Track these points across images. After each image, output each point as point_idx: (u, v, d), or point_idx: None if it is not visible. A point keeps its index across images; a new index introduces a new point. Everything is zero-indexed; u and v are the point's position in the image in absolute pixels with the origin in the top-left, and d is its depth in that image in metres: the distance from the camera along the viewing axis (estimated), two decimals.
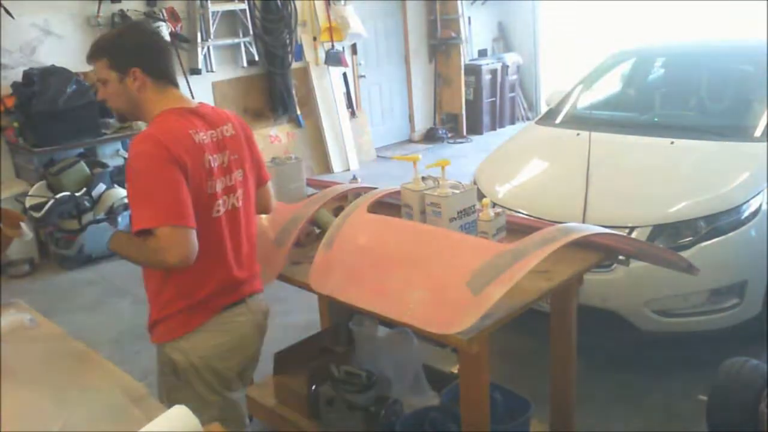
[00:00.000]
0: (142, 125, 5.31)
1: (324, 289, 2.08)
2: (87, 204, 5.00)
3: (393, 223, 2.18)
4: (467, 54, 8.80)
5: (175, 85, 1.90)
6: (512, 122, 9.18)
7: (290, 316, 3.92)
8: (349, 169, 7.44)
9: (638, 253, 2.40)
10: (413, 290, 1.87)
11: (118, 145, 5.47)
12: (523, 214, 3.12)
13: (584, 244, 2.16)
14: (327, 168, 7.38)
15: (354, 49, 7.82)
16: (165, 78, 1.87)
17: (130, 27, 2.19)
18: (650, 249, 2.49)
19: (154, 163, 1.72)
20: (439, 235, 2.05)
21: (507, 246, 1.84)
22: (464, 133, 8.73)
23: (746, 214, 3.02)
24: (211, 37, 6.30)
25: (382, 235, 2.15)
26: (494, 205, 2.14)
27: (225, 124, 1.93)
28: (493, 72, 8.77)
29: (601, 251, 2.21)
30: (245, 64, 6.69)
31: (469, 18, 8.77)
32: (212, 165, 1.83)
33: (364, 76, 8.03)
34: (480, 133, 8.78)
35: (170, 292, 1.87)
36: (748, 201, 3.04)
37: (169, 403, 1.65)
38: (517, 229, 2.24)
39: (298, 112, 7.21)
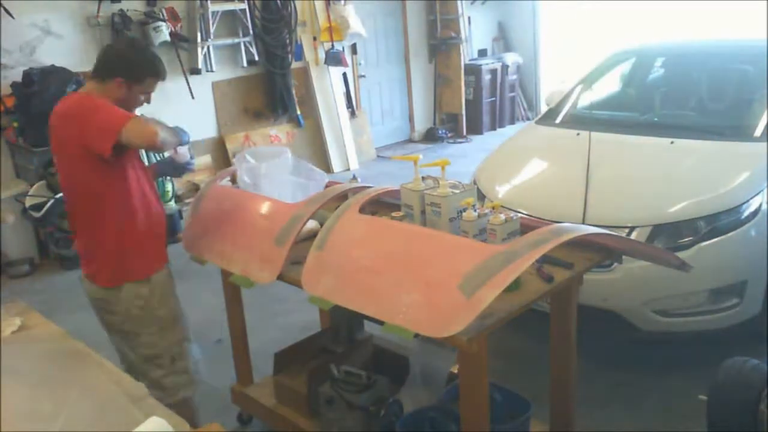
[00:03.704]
0: None
1: (316, 290, 2.07)
2: None
3: (385, 224, 2.18)
4: (467, 54, 8.81)
5: None
6: (512, 122, 9.18)
7: (290, 316, 3.93)
8: (349, 169, 7.45)
9: (632, 251, 2.40)
10: (405, 292, 1.86)
11: None
12: (523, 213, 3.12)
13: (584, 243, 2.16)
14: (327, 168, 7.39)
15: (354, 49, 7.82)
16: None
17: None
18: (643, 248, 2.49)
19: None
20: (431, 237, 2.04)
21: (499, 248, 1.84)
22: (464, 133, 8.73)
23: (746, 214, 3.02)
24: (211, 37, 6.30)
25: (373, 237, 2.14)
26: (492, 209, 2.11)
27: None
28: (493, 72, 8.78)
29: (602, 251, 2.21)
30: (245, 64, 6.69)
31: (469, 18, 8.77)
32: None
33: (364, 76, 8.03)
34: (480, 133, 8.78)
35: None
36: (748, 201, 3.04)
37: None
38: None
39: (298, 112, 7.21)
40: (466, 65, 8.63)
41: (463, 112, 8.73)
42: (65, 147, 2.22)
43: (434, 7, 8.52)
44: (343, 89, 7.69)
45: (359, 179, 3.12)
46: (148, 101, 2.35)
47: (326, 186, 2.63)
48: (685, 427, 2.73)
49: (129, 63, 2.26)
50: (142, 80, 2.27)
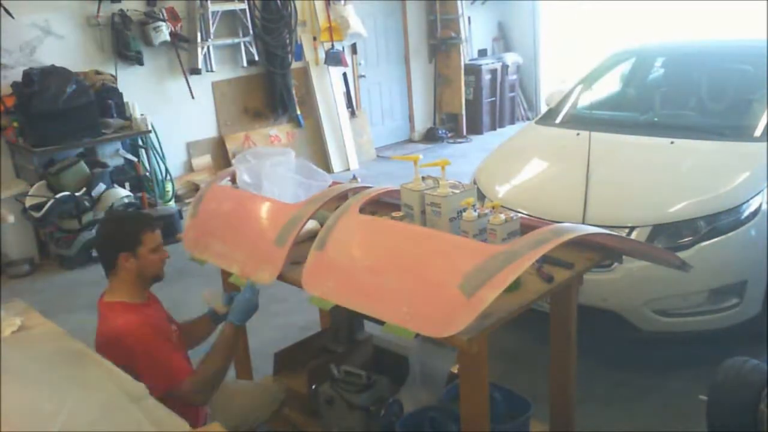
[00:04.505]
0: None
1: (316, 291, 2.06)
2: (87, 204, 5.00)
3: (385, 224, 2.18)
4: (467, 54, 8.81)
5: None
6: (512, 122, 9.18)
7: (290, 316, 3.92)
8: (349, 169, 7.45)
9: (632, 251, 2.40)
10: (405, 292, 1.86)
11: (118, 145, 5.48)
12: (523, 213, 3.11)
13: (584, 243, 2.16)
14: (327, 168, 7.39)
15: (354, 49, 7.82)
16: None
17: None
18: (643, 248, 2.49)
19: None
20: (431, 237, 2.04)
21: (499, 248, 1.83)
22: (464, 133, 8.73)
23: (746, 214, 3.02)
24: (211, 37, 6.30)
25: (373, 237, 2.14)
26: (492, 209, 2.12)
27: None
28: (493, 72, 8.78)
29: (602, 251, 2.21)
30: (245, 64, 6.69)
31: (469, 18, 8.77)
32: None
33: (364, 76, 8.03)
34: (480, 133, 8.78)
35: None
36: (748, 201, 3.04)
37: None
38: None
39: (298, 112, 7.21)
40: (466, 65, 8.63)
41: (463, 112, 8.73)
42: None
43: (434, 7, 8.52)
44: (343, 89, 7.69)
45: (359, 179, 3.12)
46: (162, 257, 2.25)
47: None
48: (685, 427, 2.73)
49: (119, 233, 2.20)
50: (140, 240, 2.18)
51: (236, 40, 6.59)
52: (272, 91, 6.99)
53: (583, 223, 2.94)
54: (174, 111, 6.24)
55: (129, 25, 5.71)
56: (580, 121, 4.15)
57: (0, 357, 1.74)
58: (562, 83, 5.27)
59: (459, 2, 8.45)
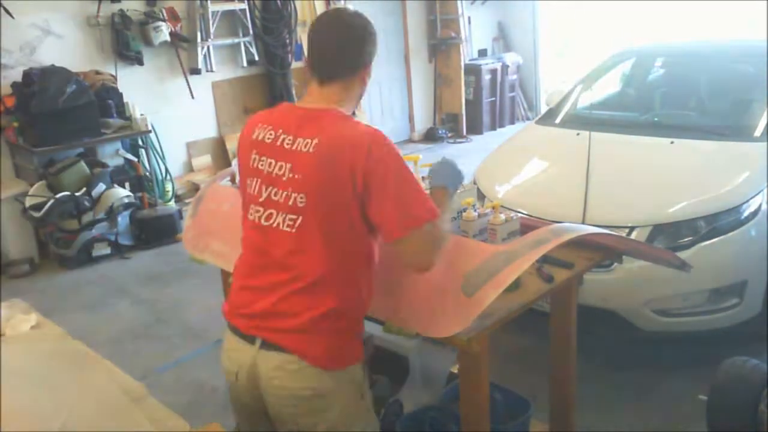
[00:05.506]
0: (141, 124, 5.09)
1: None
2: (87, 204, 5.00)
3: None
4: (467, 54, 8.81)
5: (317, 80, 1.79)
6: (512, 122, 9.18)
7: None
8: None
9: (632, 251, 2.40)
10: (405, 292, 1.86)
11: (118, 144, 5.48)
12: (523, 213, 3.11)
13: (584, 243, 2.16)
14: None
15: None
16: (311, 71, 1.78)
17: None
18: (644, 248, 2.49)
19: None
20: None
21: (500, 247, 1.83)
22: (464, 133, 8.73)
23: (746, 214, 3.02)
24: (211, 36, 6.30)
25: None
26: (492, 209, 2.12)
27: (299, 135, 1.69)
28: (493, 72, 8.78)
29: (602, 251, 2.21)
30: (245, 64, 6.69)
31: (469, 18, 8.77)
32: (257, 165, 1.71)
33: None
34: (480, 133, 8.78)
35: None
36: (748, 201, 3.04)
37: None
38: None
39: None
40: (466, 65, 8.63)
41: (463, 112, 8.73)
42: (335, 186, 1.62)
43: (434, 7, 8.52)
44: None
45: None
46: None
47: None
48: (685, 427, 2.73)
49: (374, 40, 1.77)
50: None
51: (236, 40, 6.59)
52: (272, 91, 6.99)
53: (583, 223, 2.94)
54: (174, 111, 6.23)
55: (129, 25, 5.71)
56: (580, 121, 4.15)
57: (0, 357, 1.74)
58: (562, 83, 5.27)
59: (459, 2, 8.45)
